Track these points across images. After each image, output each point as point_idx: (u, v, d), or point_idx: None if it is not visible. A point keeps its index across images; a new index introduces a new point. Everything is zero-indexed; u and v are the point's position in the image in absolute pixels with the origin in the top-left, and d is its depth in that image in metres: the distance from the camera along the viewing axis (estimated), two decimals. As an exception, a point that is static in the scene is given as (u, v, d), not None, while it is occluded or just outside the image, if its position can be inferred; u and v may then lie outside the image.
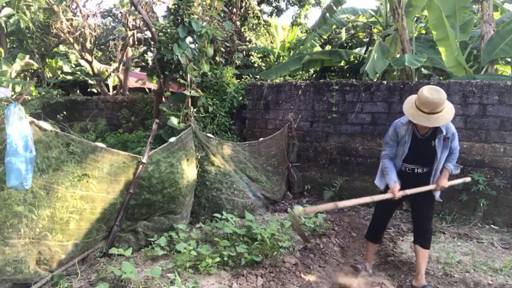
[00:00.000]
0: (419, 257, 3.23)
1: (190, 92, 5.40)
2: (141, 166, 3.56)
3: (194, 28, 5.19)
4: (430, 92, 2.87)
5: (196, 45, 5.64)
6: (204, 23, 5.78)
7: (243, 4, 10.19)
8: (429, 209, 3.27)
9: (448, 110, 2.92)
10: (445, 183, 3.18)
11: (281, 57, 12.91)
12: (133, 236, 3.67)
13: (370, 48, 10.68)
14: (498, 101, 5.15)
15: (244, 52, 10.93)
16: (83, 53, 9.97)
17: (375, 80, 7.04)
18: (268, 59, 12.25)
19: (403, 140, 3.13)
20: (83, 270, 3.14)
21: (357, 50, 11.63)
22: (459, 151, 3.30)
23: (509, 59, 8.68)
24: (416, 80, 7.38)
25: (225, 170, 4.87)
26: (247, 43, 11.20)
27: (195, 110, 5.70)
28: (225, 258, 3.36)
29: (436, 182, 3.20)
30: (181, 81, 5.44)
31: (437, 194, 3.30)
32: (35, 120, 2.74)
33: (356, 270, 3.45)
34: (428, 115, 2.88)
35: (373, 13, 10.85)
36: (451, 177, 3.34)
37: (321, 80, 8.61)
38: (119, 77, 10.93)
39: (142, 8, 6.35)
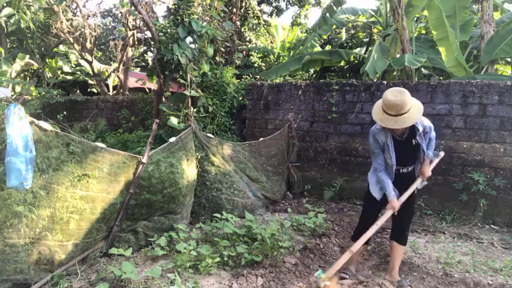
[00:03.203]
0: (395, 253, 3.30)
1: (190, 92, 5.40)
2: (141, 166, 3.56)
3: (194, 28, 5.19)
4: (394, 94, 2.90)
5: (196, 45, 5.63)
6: (204, 23, 5.77)
7: (243, 4, 10.18)
8: (410, 208, 3.33)
9: (415, 110, 2.94)
10: (428, 171, 3.23)
11: (281, 57, 12.91)
12: (133, 236, 3.68)
13: (370, 48, 10.68)
14: (498, 101, 5.15)
15: (244, 52, 10.93)
16: (83, 53, 9.98)
17: (375, 80, 7.05)
18: (268, 59, 12.25)
19: (385, 146, 3.14)
20: (83, 270, 3.14)
21: (357, 50, 11.63)
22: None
23: (509, 59, 8.69)
24: (416, 80, 7.37)
25: (225, 170, 4.87)
26: (247, 43, 11.20)
27: (195, 110, 5.70)
28: (225, 258, 3.36)
29: (419, 174, 3.25)
30: (181, 81, 5.44)
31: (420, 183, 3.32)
32: (35, 120, 2.74)
33: (344, 280, 3.39)
34: (395, 117, 2.91)
35: (373, 13, 10.84)
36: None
37: (321, 80, 8.59)
38: (119, 77, 10.94)
39: (142, 8, 6.34)
